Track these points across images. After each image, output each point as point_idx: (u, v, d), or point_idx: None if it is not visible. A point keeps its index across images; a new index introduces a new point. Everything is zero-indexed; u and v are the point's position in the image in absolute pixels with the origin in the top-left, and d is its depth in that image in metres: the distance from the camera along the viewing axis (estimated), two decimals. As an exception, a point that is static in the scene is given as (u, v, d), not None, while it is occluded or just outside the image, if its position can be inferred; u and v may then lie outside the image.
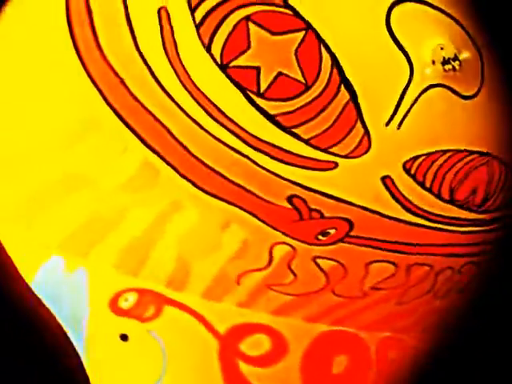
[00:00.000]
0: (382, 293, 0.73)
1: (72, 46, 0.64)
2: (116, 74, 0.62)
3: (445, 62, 0.66)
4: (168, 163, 0.64)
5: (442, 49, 0.66)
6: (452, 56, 0.66)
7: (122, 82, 0.62)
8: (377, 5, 0.66)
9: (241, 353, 0.73)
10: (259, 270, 0.70)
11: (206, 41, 0.60)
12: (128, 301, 0.73)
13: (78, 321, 0.74)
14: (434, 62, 0.66)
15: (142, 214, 0.67)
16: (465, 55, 0.67)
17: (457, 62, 0.66)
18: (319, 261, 0.68)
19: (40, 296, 0.75)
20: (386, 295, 0.74)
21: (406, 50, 0.65)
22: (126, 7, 0.62)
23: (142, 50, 0.61)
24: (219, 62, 0.60)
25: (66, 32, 0.65)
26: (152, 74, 0.62)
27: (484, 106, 0.71)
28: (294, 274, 0.69)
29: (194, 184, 0.65)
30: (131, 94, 0.62)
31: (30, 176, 0.70)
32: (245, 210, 0.66)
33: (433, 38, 0.66)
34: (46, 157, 0.68)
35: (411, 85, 0.65)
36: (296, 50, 0.62)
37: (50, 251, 0.72)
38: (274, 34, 0.61)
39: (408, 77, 0.65)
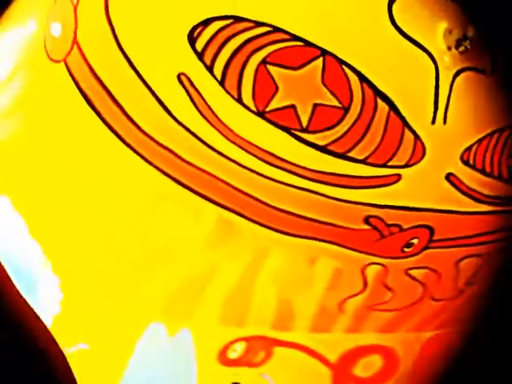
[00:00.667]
0: (474, 287, 0.73)
1: (116, 138, 0.68)
2: (169, 149, 0.65)
3: (458, 44, 0.66)
4: (242, 215, 0.66)
5: (450, 32, 0.66)
6: (461, 36, 0.66)
7: (177, 155, 0.66)
8: (376, 6, 0.65)
9: (354, 377, 0.75)
10: (357, 294, 0.72)
11: (235, 94, 0.61)
12: (237, 351, 0.74)
13: (187, 380, 0.76)
14: (449, 48, 0.65)
15: (232, 266, 0.69)
16: (471, 32, 0.67)
17: (467, 42, 0.66)
18: (411, 272, 0.69)
19: (142, 363, 0.76)
20: (478, 289, 0.74)
21: (421, 43, 0.64)
22: (144, 82, 0.65)
23: (180, 121, 0.64)
24: (255, 110, 0.61)
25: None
26: (200, 139, 0.64)
27: (505, 78, 0.70)
28: (392, 290, 0.70)
29: (272, 229, 0.66)
30: (190, 164, 0.65)
31: (122, 250, 0.73)
32: (327, 242, 0.67)
33: (439, 24, 0.66)
34: (130, 231, 0.71)
35: (440, 77, 0.65)
36: (322, 78, 0.62)
37: (149, 319, 0.74)
38: (295, 68, 0.62)
39: (434, 70, 0.65)
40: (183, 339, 0.75)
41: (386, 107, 0.64)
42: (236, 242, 0.68)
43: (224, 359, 0.75)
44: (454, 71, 0.66)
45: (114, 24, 0.66)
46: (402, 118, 0.65)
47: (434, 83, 0.65)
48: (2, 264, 0.81)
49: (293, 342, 0.74)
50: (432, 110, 0.66)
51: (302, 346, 0.74)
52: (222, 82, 0.61)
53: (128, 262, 0.73)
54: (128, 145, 0.66)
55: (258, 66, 0.62)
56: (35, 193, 0.76)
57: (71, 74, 0.69)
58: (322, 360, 0.73)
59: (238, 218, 0.67)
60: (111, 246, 0.73)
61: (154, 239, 0.70)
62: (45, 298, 0.77)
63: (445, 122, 0.66)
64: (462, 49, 0.66)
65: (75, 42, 0.70)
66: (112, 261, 0.73)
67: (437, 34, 0.65)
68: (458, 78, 0.66)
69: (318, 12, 0.65)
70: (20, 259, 0.78)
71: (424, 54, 0.65)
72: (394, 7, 0.64)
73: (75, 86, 0.69)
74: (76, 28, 0.69)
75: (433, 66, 0.65)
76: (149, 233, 0.70)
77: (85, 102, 0.68)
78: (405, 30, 0.64)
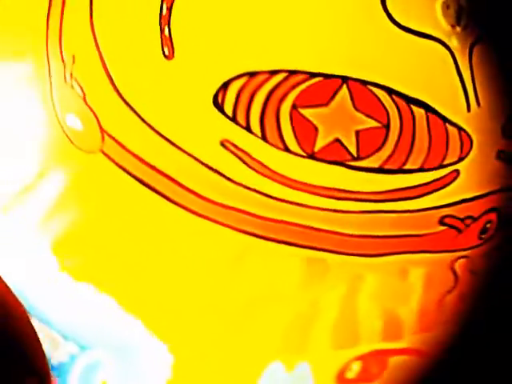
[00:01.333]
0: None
1: (183, 210, 0.71)
2: (237, 209, 0.69)
3: (458, 19, 0.68)
4: (328, 251, 0.71)
5: (448, 7, 0.67)
6: (458, 8, 0.67)
7: (247, 212, 0.69)
8: (371, 11, 0.67)
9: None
10: (451, 290, 0.77)
11: (281, 145, 0.64)
12: (353, 370, 0.78)
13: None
14: (453, 26, 0.67)
15: (331, 297, 0.74)
16: (462, 1, 0.68)
17: (464, 13, 0.68)
18: (490, 254, 0.76)
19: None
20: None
21: (428, 33, 0.66)
22: (190, 155, 0.69)
23: (238, 181, 0.67)
24: (305, 155, 0.65)
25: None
26: (262, 194, 0.68)
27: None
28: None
29: (360, 255, 0.71)
30: (263, 218, 0.69)
31: (222, 306, 0.77)
32: (412, 252, 0.73)
33: (436, 3, 0.67)
34: (225, 288, 0.76)
35: (458, 60, 0.67)
36: (353, 104, 0.65)
37: (266, 362, 0.79)
38: (325, 104, 0.65)
39: (449, 55, 0.67)
40: (302, 371, 0.79)
41: (422, 111, 0.67)
42: (330, 276, 0.73)
43: (342, 381, 0.79)
44: (467, 50, 0.68)
45: (137, 110, 0.69)
46: (441, 116, 0.68)
47: (454, 69, 0.68)
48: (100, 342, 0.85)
49: (404, 348, 0.79)
50: (463, 96, 0.68)
51: (413, 349, 0.80)
52: (264, 138, 0.63)
53: (232, 316, 0.77)
54: (196, 213, 0.69)
55: (291, 113, 0.65)
56: (122, 274, 0.79)
57: (114, 162, 0.71)
58: (432, 357, 0.80)
59: (325, 254, 0.71)
60: (210, 306, 0.77)
61: (250, 290, 0.74)
62: (153, 365, 0.81)
63: (478, 104, 0.69)
64: (463, 23, 0.68)
65: (103, 131, 0.71)
66: (215, 318, 0.77)
67: (437, 15, 0.67)
68: (474, 56, 0.68)
69: (323, 42, 0.67)
70: (116, 334, 0.82)
71: (434, 42, 0.67)
72: (388, 4, 0.67)
73: (123, 171, 0.71)
74: (98, 120, 0.70)
75: (447, 51, 0.67)
76: (242, 286, 0.74)
77: (140, 184, 0.70)
78: (408, 25, 0.67)
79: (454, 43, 0.68)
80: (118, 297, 0.80)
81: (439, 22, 0.68)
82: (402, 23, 0.68)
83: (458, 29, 0.68)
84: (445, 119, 0.68)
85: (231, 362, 0.80)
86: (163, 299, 0.79)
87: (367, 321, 0.77)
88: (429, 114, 0.68)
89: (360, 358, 0.80)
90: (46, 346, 0.81)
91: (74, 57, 0.79)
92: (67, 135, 0.73)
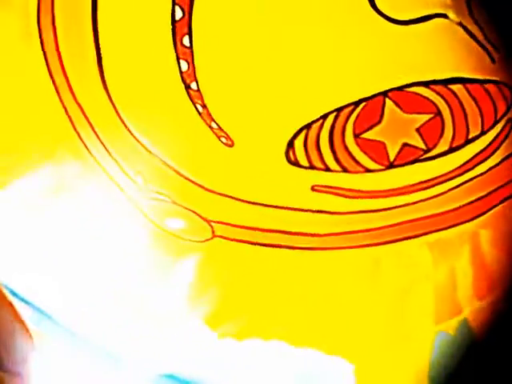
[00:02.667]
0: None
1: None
2: (357, 231, 0.86)
3: None
4: (439, 230, 0.87)
5: None
6: None
7: (366, 230, 0.86)
8: (367, 17, 0.83)
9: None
10: None
11: (361, 169, 0.85)
12: None
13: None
14: None
15: (460, 265, 0.89)
16: None
17: None
18: None
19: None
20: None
21: (424, 15, 0.79)
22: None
23: (344, 211, 0.86)
24: (385, 167, 0.84)
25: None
26: (373, 211, 0.85)
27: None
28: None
29: (458, 224, 0.87)
30: (381, 227, 0.85)
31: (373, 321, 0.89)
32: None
33: None
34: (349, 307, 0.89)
35: (463, 23, 0.80)
36: (402, 110, 0.81)
37: (431, 338, 0.93)
38: (379, 122, 0.80)
39: (454, 23, 0.79)
40: (462, 330, 0.94)
41: (459, 85, 0.81)
42: (449, 249, 0.88)
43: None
44: (466, 10, 0.81)
45: (229, 194, 0.85)
46: (476, 80, 0.81)
47: (464, 32, 0.81)
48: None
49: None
50: (483, 52, 0.80)
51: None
52: (345, 170, 0.77)
53: (389, 316, 0.89)
54: (321, 249, 0.84)
55: (356, 141, 0.80)
56: (285, 320, 0.91)
57: (230, 239, 0.87)
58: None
59: (438, 234, 0.86)
60: (368, 315, 0.90)
61: (394, 289, 0.87)
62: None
63: (498, 51, 0.80)
64: None
65: (208, 221, 0.86)
66: (377, 324, 0.89)
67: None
68: (474, 11, 0.81)
69: (350, 72, 0.83)
70: (299, 371, 0.92)
71: (436, 20, 0.80)
72: (379, 5, 0.82)
73: (242, 243, 0.85)
74: (197, 213, 0.84)
75: (449, 21, 0.80)
76: (387, 289, 0.87)
77: (262, 246, 0.86)
78: (404, 17, 0.82)
79: (451, 13, 0.82)
80: (287, 338, 0.89)
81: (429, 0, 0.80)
82: (399, 18, 0.82)
83: None
84: (480, 81, 0.81)
85: (400, 355, 0.91)
86: (328, 325, 0.89)
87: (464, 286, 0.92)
88: (466, 84, 0.81)
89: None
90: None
91: (142, 173, 0.94)
92: (175, 235, 0.84)
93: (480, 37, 0.83)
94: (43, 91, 0.96)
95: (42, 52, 0.93)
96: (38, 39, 0.91)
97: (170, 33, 1.02)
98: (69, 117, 1.19)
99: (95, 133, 1.07)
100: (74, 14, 0.96)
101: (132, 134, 1.17)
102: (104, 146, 1.19)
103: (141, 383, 0.92)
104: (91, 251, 0.96)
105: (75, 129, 1.06)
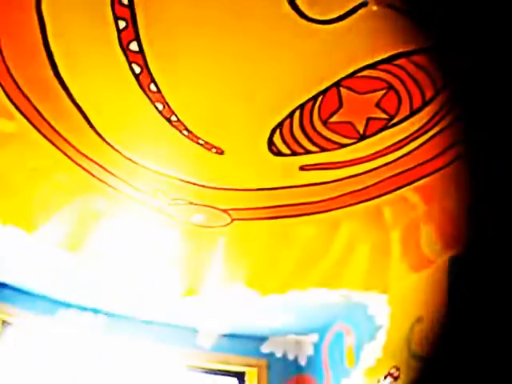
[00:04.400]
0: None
1: None
2: None
3: None
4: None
5: None
6: None
7: None
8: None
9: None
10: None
11: (336, 146, 1.46)
12: None
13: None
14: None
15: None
16: None
17: None
18: None
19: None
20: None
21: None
22: None
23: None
24: (358, 138, 1.44)
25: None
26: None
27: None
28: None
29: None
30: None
31: None
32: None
33: None
34: None
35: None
36: (357, 92, 1.23)
37: None
38: (341, 107, 1.28)
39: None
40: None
41: (404, 59, 1.22)
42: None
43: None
44: None
45: None
46: (414, 52, 1.22)
47: (389, 18, 1.18)
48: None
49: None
50: (411, 27, 1.18)
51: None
52: (324, 150, 1.54)
53: None
54: None
55: (326, 125, 1.38)
56: None
57: None
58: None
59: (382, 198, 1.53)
60: None
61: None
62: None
63: (416, 20, 1.20)
64: None
65: (232, 218, 1.82)
66: None
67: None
68: None
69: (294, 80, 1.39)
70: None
71: (363, 9, 1.17)
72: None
73: None
74: (230, 217, 1.78)
75: (376, 9, 1.17)
76: None
77: None
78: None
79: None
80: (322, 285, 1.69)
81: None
82: (328, 18, 1.24)
83: None
84: (417, 51, 1.19)
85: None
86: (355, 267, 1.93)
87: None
88: (408, 57, 1.15)
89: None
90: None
91: (160, 189, 1.80)
92: (202, 226, 2.03)
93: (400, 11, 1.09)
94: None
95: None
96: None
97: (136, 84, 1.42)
98: (91, 174, 1.61)
99: (115, 176, 1.47)
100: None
101: (144, 167, 1.54)
102: (126, 182, 1.60)
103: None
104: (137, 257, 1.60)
105: (101, 180, 1.45)
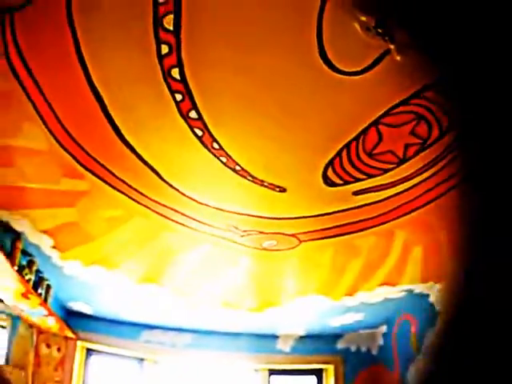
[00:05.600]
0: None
1: None
2: None
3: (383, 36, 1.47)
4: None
5: (368, 29, 1.47)
6: (376, 27, 1.47)
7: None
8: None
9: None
10: None
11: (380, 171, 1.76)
12: None
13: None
14: (386, 40, 1.47)
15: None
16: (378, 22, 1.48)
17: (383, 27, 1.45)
18: None
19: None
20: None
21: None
22: None
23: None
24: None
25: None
26: None
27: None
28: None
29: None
30: None
31: None
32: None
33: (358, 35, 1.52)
34: None
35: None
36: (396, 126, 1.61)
37: None
38: (381, 141, 1.66)
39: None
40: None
41: (430, 91, 1.58)
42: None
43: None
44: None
45: None
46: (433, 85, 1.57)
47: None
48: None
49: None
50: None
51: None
52: (370, 176, 1.91)
53: None
54: None
55: (370, 157, 1.76)
56: None
57: None
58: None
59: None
60: None
61: None
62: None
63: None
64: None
65: (300, 240, 2.29)
66: None
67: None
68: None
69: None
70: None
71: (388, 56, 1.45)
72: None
73: None
74: (298, 240, 2.30)
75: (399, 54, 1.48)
76: None
77: None
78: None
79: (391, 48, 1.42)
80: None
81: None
82: (359, 69, 1.45)
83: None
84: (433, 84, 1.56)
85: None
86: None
87: None
88: (430, 89, 1.55)
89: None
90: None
91: (232, 225, 1.99)
92: (273, 250, 2.48)
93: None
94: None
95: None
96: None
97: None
98: (166, 217, 1.96)
99: (190, 217, 1.80)
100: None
101: (216, 208, 1.84)
102: (200, 221, 1.92)
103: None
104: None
105: (176, 222, 1.78)
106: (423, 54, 1.57)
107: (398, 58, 1.58)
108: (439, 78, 1.58)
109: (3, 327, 4.35)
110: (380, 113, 1.85)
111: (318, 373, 4.19)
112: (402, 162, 1.95)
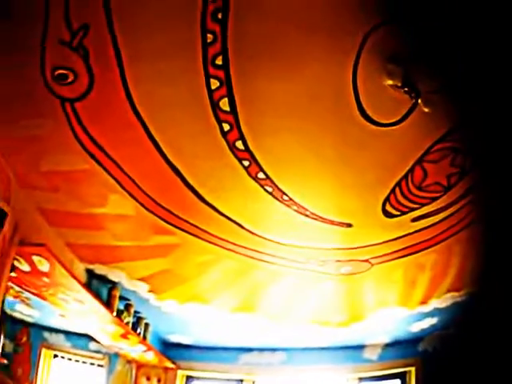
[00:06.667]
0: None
1: None
2: None
3: (410, 94, 1.85)
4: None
5: (397, 87, 1.83)
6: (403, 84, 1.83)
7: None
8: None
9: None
10: None
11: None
12: None
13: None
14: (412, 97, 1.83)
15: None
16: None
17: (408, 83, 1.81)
18: None
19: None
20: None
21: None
22: None
23: None
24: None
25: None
26: None
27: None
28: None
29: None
30: None
31: None
32: None
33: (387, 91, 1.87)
34: None
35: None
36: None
37: None
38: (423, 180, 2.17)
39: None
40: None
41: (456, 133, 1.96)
42: None
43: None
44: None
45: None
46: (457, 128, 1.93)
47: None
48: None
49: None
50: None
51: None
52: (423, 205, 2.31)
53: None
54: None
55: (420, 189, 2.14)
56: None
57: None
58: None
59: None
60: None
61: None
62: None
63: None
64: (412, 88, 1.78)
65: (372, 264, 2.64)
66: None
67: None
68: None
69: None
70: None
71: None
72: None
73: None
74: (370, 264, 2.67)
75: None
76: None
77: None
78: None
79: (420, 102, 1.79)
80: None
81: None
82: (390, 121, 1.84)
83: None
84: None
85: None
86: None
87: None
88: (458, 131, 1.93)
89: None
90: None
91: (312, 257, 2.53)
92: (349, 274, 2.98)
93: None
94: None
95: None
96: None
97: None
98: (251, 257, 2.36)
99: (272, 255, 2.19)
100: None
101: (293, 245, 2.21)
102: (282, 257, 2.29)
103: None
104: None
105: (260, 260, 2.14)
106: (448, 103, 1.86)
107: (426, 109, 1.85)
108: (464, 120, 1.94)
109: (101, 366, 4.88)
110: (420, 154, 2.15)
111: (402, 376, 4.47)
112: (447, 189, 2.29)
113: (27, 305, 3.92)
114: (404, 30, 1.63)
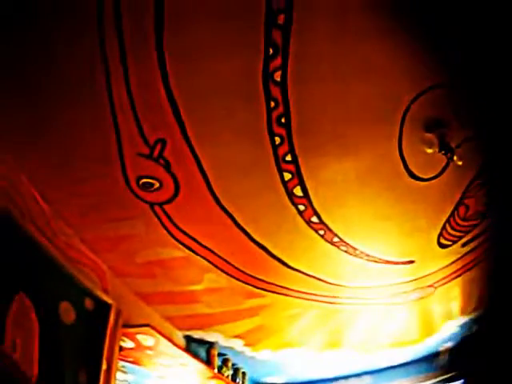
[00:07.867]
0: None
1: None
2: None
3: (447, 153, 2.36)
4: None
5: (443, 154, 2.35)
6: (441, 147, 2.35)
7: None
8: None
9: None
10: None
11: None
12: None
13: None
14: (449, 158, 2.34)
15: None
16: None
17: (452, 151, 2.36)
18: None
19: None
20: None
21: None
22: None
23: None
24: None
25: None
26: None
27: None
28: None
29: None
30: None
31: None
32: None
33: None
34: None
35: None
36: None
37: None
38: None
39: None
40: None
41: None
42: None
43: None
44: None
45: None
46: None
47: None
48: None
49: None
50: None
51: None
52: (465, 233, 2.89)
53: None
54: None
55: (457, 224, 2.68)
56: None
57: None
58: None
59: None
60: None
61: None
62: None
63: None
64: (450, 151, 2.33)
65: (435, 288, 3.38)
66: None
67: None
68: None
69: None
70: None
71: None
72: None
73: None
74: (434, 287, 3.38)
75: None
76: None
77: None
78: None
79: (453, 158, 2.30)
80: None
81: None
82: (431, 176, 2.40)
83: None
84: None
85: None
86: None
87: None
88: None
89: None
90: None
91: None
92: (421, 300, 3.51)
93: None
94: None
95: None
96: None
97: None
98: (327, 303, 2.85)
99: (352, 298, 3.26)
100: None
101: (371, 287, 2.65)
102: (359, 298, 2.73)
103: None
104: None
105: (344, 304, 3.31)
106: (476, 150, 2.28)
107: (460, 163, 2.29)
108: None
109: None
110: (460, 194, 2.59)
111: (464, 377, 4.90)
112: (483, 218, 2.92)
113: (123, 372, 4.13)
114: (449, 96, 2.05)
